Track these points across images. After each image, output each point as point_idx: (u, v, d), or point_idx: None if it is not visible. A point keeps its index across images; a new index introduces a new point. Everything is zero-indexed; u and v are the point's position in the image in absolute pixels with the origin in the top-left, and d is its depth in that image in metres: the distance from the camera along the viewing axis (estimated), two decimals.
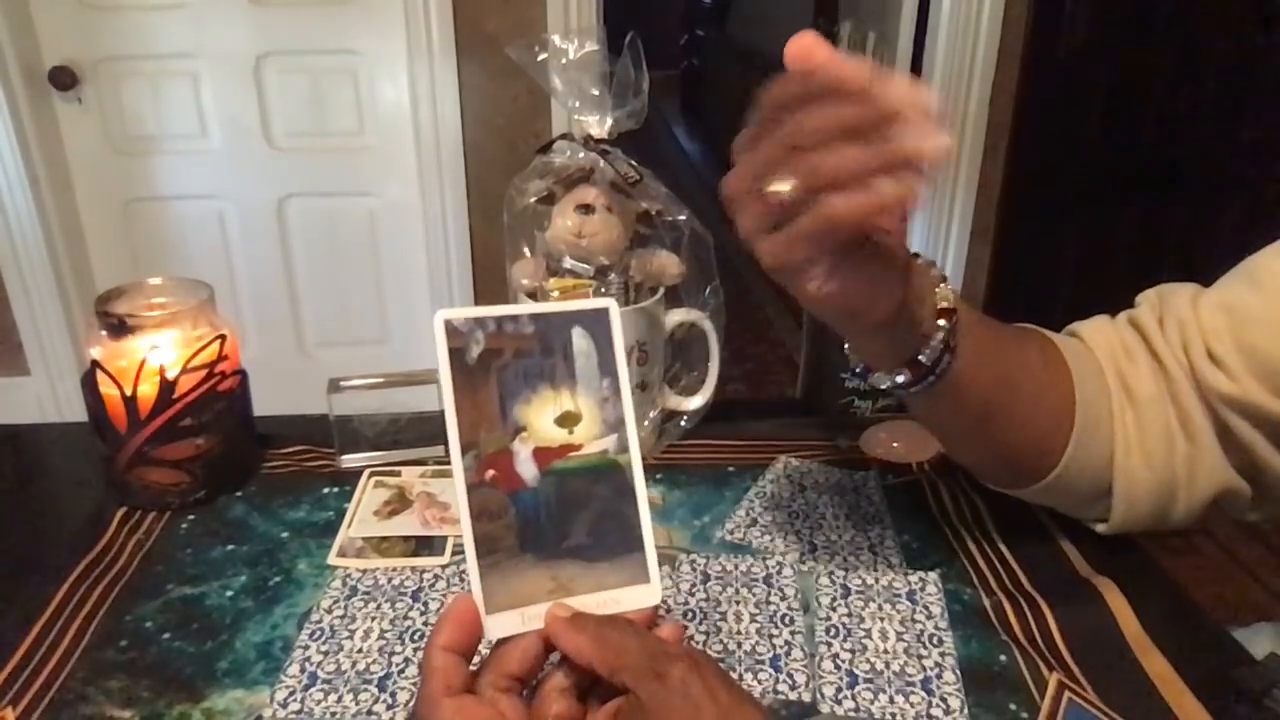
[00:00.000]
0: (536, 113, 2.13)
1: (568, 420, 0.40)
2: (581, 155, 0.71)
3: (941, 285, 0.51)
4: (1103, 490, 0.58)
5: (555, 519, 0.39)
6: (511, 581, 0.38)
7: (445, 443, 0.38)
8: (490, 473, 0.38)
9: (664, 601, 0.55)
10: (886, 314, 0.47)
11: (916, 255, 0.51)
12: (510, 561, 0.38)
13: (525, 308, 0.40)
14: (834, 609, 0.58)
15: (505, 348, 0.39)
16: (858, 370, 0.56)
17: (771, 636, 0.56)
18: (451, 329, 0.38)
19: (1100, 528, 0.61)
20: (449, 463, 0.76)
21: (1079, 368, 0.57)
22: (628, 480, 0.41)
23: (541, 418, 0.40)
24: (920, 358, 0.51)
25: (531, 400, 0.39)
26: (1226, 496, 0.56)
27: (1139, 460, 0.56)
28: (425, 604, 0.59)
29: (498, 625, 0.38)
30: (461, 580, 0.61)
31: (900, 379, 0.52)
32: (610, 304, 0.41)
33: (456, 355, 0.38)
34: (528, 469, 0.39)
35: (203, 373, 0.67)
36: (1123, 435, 0.56)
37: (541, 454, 0.39)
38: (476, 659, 0.39)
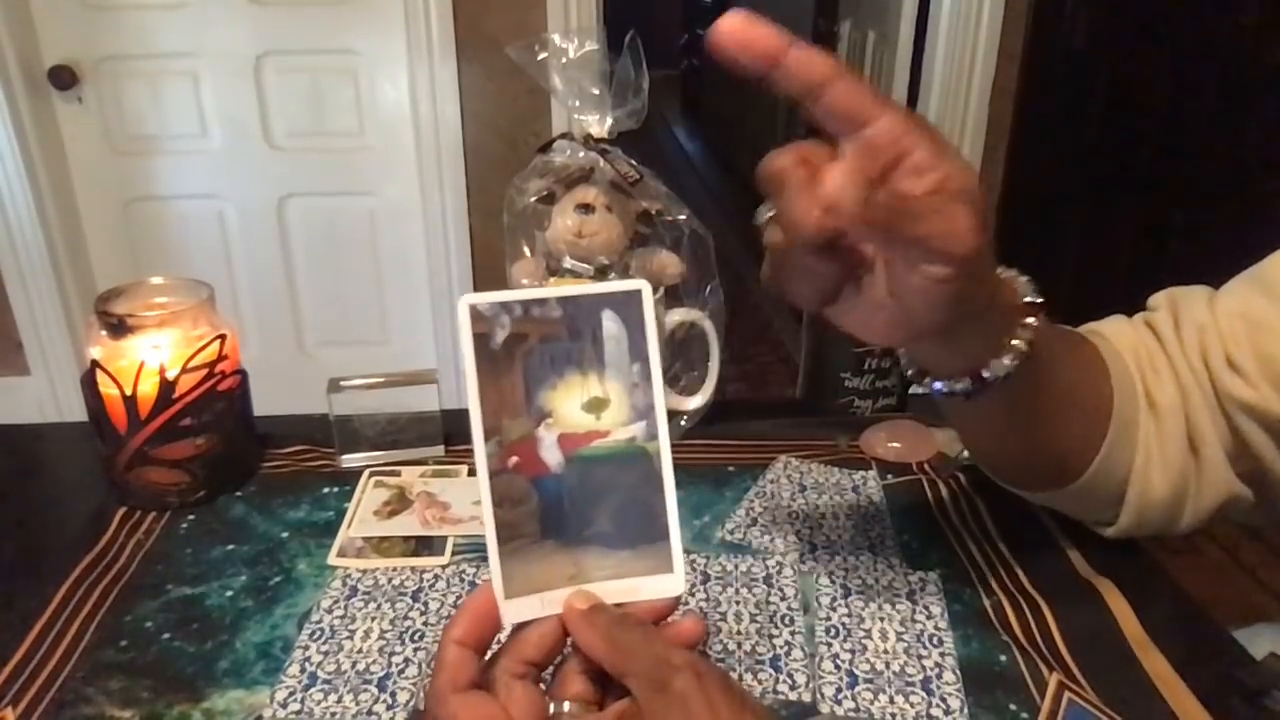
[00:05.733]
0: (536, 113, 2.13)
1: (596, 406, 0.39)
2: (581, 155, 0.71)
3: (1023, 325, 0.49)
4: (1117, 498, 0.58)
5: (579, 506, 0.38)
6: (531, 567, 0.38)
7: (469, 429, 0.37)
8: (513, 459, 0.38)
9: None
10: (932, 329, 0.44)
11: (1038, 300, 0.50)
12: (531, 547, 0.38)
13: (554, 291, 0.38)
14: (834, 609, 0.58)
15: (531, 332, 0.38)
16: (909, 374, 0.54)
17: (771, 636, 0.56)
18: (476, 314, 0.37)
19: (1107, 531, 0.60)
20: (450, 462, 0.76)
21: (1116, 375, 0.56)
22: (655, 468, 0.39)
23: (568, 403, 0.38)
24: (984, 373, 0.48)
25: (558, 386, 0.38)
26: (1230, 504, 0.56)
27: (1157, 471, 0.56)
28: (425, 604, 0.59)
29: (515, 610, 0.37)
30: (462, 580, 0.61)
31: (959, 388, 0.49)
32: (643, 285, 0.39)
33: (481, 341, 0.37)
34: (552, 455, 0.38)
35: (203, 372, 0.67)
36: (1144, 444, 0.56)
37: (567, 440, 0.38)
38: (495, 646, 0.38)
